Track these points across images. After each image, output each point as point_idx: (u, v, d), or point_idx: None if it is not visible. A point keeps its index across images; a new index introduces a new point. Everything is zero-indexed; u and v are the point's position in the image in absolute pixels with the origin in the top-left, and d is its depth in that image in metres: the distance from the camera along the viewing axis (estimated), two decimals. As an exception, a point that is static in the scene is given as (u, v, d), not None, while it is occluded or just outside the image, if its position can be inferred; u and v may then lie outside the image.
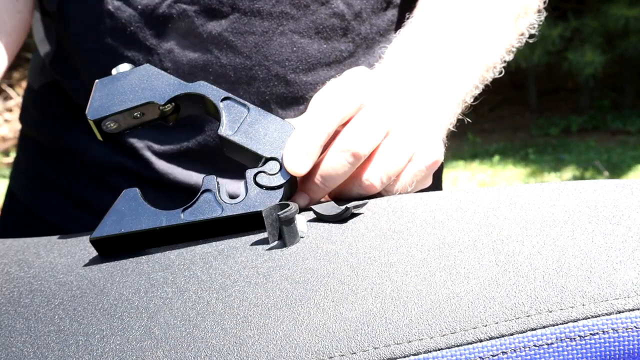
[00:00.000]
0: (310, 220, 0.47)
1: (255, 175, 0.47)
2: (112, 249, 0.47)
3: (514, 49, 0.68)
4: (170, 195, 0.69)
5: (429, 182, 0.54)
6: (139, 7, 0.64)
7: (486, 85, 0.65)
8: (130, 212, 0.47)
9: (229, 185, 0.67)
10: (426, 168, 0.52)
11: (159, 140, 0.69)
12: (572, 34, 4.92)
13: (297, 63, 0.66)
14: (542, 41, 4.69)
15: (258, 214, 0.46)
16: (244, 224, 0.47)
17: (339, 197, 0.51)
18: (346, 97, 0.50)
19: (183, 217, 0.46)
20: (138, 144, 0.69)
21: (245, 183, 0.47)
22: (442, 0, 0.65)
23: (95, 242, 0.46)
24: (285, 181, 0.47)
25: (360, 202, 0.47)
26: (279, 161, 0.48)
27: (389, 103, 0.51)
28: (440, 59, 0.59)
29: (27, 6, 0.71)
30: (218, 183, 0.47)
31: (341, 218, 0.46)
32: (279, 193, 0.47)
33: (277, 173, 0.48)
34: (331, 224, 0.46)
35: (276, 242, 0.43)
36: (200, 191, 0.47)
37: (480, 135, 5.10)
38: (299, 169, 0.47)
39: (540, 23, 0.70)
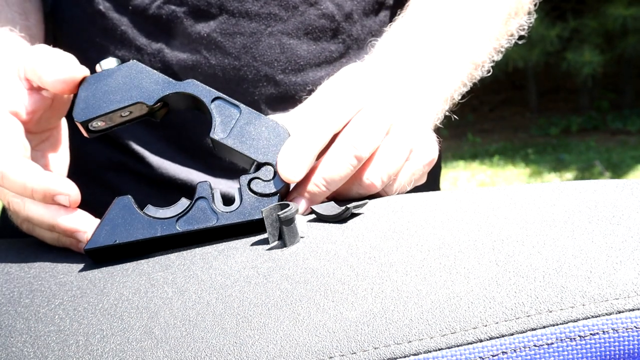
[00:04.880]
0: (310, 221, 0.47)
1: (250, 181, 0.47)
2: (107, 258, 0.47)
3: (503, 49, 0.68)
4: (163, 192, 0.68)
5: (424, 179, 0.55)
6: (130, 7, 0.65)
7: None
8: (124, 221, 0.46)
9: (221, 184, 0.67)
10: (423, 166, 0.53)
11: (151, 135, 0.69)
12: (570, 34, 4.92)
13: (285, 64, 0.66)
14: (541, 41, 4.69)
15: (253, 222, 0.46)
16: (239, 230, 0.47)
17: (339, 197, 0.51)
18: (343, 103, 0.49)
19: (178, 226, 0.46)
20: (131, 139, 0.69)
21: (240, 189, 0.47)
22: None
23: (89, 252, 0.46)
24: (280, 188, 0.47)
25: (360, 202, 0.47)
26: (273, 166, 0.47)
27: (387, 103, 0.51)
28: (428, 55, 0.60)
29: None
30: (212, 189, 0.47)
31: (341, 218, 0.46)
32: (274, 200, 0.46)
33: (271, 180, 0.47)
34: (331, 224, 0.46)
35: (276, 242, 0.43)
36: (195, 199, 0.46)
37: (480, 135, 5.10)
38: (293, 177, 0.47)
39: (531, 25, 0.71)
